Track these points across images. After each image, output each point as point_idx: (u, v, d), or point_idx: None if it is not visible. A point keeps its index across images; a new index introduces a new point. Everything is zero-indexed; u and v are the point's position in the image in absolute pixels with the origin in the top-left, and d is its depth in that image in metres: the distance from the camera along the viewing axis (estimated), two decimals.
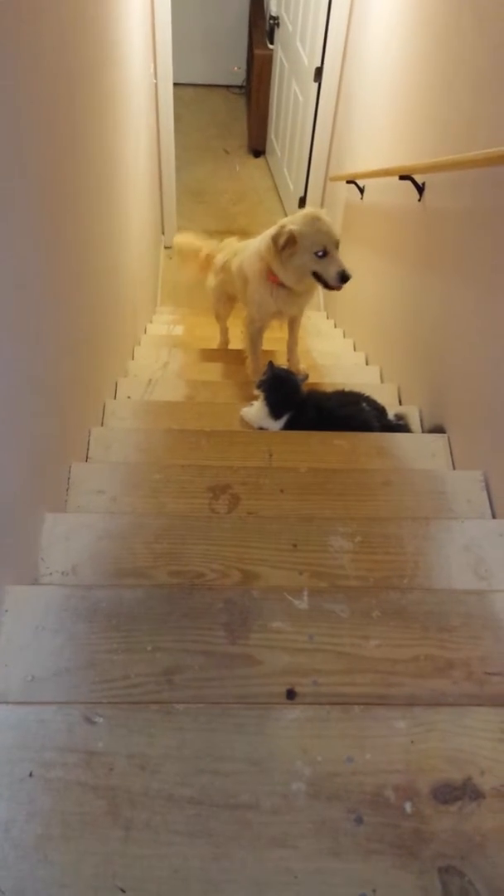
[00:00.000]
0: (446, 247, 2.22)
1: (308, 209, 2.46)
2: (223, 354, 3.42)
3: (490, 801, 1.01)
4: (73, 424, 1.90)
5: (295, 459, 2.02)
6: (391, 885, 0.93)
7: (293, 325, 3.03)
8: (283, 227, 2.38)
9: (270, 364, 2.41)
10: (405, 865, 0.95)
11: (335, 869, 0.94)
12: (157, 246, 5.07)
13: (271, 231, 2.45)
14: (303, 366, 2.97)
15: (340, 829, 0.98)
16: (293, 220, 2.39)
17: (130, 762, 1.04)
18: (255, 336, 2.90)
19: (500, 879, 0.93)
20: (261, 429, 2.29)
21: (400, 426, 2.28)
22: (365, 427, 2.20)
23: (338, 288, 2.43)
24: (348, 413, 2.24)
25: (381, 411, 2.29)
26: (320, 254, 2.37)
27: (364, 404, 2.27)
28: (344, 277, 2.38)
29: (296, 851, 0.96)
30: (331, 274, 2.39)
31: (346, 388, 2.38)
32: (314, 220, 2.36)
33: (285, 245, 2.36)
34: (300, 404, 2.29)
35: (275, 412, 2.27)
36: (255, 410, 2.31)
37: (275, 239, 2.39)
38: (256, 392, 2.36)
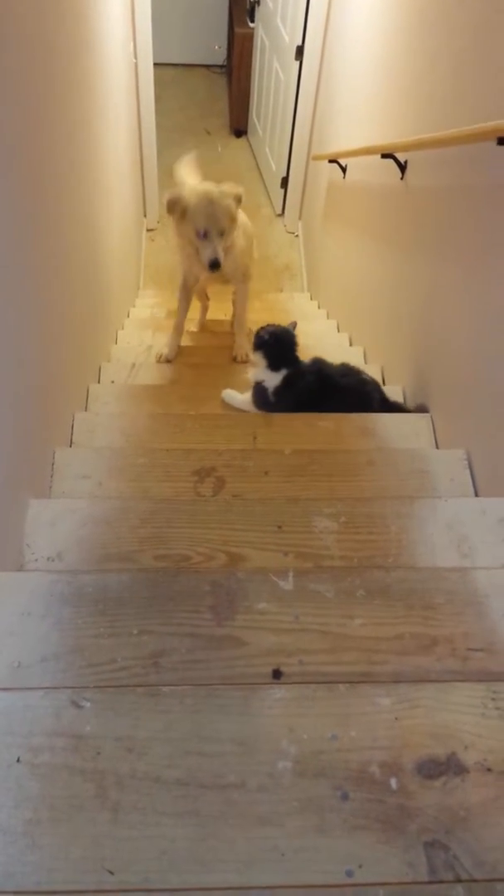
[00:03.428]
0: (429, 225, 2.21)
1: (209, 188, 2.45)
2: (205, 337, 3.41)
3: (474, 775, 1.02)
4: (56, 409, 1.88)
5: (279, 441, 2.02)
6: (377, 861, 0.94)
7: (237, 301, 3.03)
8: (180, 196, 2.39)
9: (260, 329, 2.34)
10: (390, 841, 0.96)
11: (321, 845, 0.95)
12: (140, 228, 5.02)
13: (170, 195, 2.45)
14: (242, 351, 2.89)
15: (326, 806, 0.99)
16: (193, 193, 2.41)
17: (118, 745, 1.04)
18: (181, 297, 2.94)
19: (484, 853, 0.95)
20: (258, 386, 2.22)
21: (398, 404, 2.27)
22: (366, 399, 2.18)
23: (209, 271, 2.47)
24: (350, 383, 2.22)
25: (379, 388, 2.27)
26: (202, 234, 2.41)
27: (365, 376, 2.25)
28: (213, 264, 2.43)
29: (282, 829, 0.97)
30: (203, 256, 2.44)
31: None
32: (208, 202, 2.38)
33: (176, 213, 2.41)
34: (299, 364, 2.23)
35: (273, 364, 2.20)
36: (252, 369, 2.25)
37: (168, 204, 2.42)
38: (253, 354, 2.27)
